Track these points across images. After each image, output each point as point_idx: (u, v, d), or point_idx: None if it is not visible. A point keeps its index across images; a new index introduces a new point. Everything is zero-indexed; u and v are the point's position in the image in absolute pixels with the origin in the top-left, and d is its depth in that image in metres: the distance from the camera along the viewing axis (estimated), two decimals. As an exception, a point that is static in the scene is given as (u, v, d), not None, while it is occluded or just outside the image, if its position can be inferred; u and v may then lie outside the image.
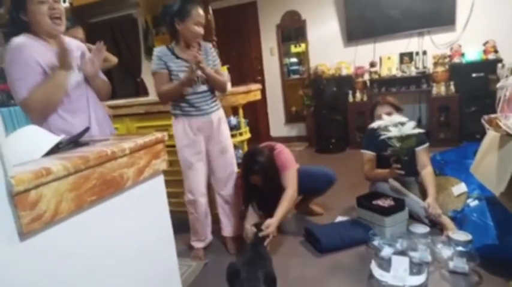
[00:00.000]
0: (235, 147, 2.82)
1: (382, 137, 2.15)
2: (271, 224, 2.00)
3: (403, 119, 2.18)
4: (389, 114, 2.35)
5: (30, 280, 0.79)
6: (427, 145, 2.42)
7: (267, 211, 2.26)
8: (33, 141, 1.02)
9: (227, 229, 2.29)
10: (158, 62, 1.97)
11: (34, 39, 1.47)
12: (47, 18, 1.46)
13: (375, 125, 2.26)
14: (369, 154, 2.48)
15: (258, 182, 2.16)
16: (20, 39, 1.44)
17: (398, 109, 2.49)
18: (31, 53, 1.43)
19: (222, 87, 2.16)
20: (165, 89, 1.98)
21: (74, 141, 1.14)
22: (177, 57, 2.00)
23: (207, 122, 2.09)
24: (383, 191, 2.35)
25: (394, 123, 2.14)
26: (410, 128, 2.11)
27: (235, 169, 2.29)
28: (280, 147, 2.31)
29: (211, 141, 2.13)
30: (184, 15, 1.92)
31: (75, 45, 1.66)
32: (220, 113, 2.19)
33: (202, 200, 2.17)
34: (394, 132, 2.11)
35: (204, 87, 2.07)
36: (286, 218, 2.25)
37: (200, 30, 1.97)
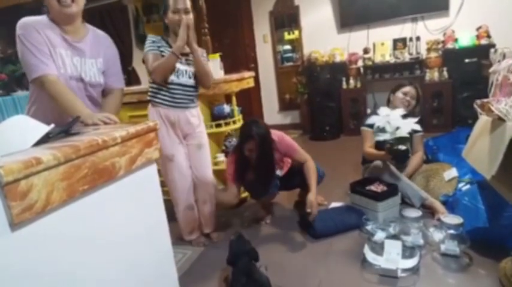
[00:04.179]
0: (229, 135, 2.81)
1: (377, 138, 2.30)
2: (311, 200, 2.05)
3: (401, 123, 2.20)
4: (408, 103, 2.51)
5: (22, 270, 0.78)
6: (421, 133, 2.50)
7: (257, 193, 2.32)
8: (22, 131, 1.00)
9: (207, 226, 2.28)
10: (151, 45, 1.96)
11: (45, 23, 1.50)
12: (54, 1, 1.47)
13: (372, 121, 2.37)
14: (370, 130, 2.48)
15: (252, 152, 2.12)
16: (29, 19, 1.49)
17: (419, 100, 2.58)
18: (40, 32, 1.46)
19: (208, 78, 2.08)
20: (158, 63, 1.92)
21: (64, 131, 1.12)
22: (170, 47, 1.98)
23: (183, 117, 2.05)
24: (379, 175, 2.38)
25: (392, 128, 2.21)
26: (405, 131, 2.17)
27: (211, 168, 2.26)
28: (278, 136, 2.27)
29: (189, 136, 2.11)
30: (166, 7, 1.94)
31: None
32: (198, 110, 2.16)
33: (190, 196, 2.14)
34: (387, 136, 2.21)
35: (191, 82, 2.04)
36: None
37: (178, 16, 1.91)
